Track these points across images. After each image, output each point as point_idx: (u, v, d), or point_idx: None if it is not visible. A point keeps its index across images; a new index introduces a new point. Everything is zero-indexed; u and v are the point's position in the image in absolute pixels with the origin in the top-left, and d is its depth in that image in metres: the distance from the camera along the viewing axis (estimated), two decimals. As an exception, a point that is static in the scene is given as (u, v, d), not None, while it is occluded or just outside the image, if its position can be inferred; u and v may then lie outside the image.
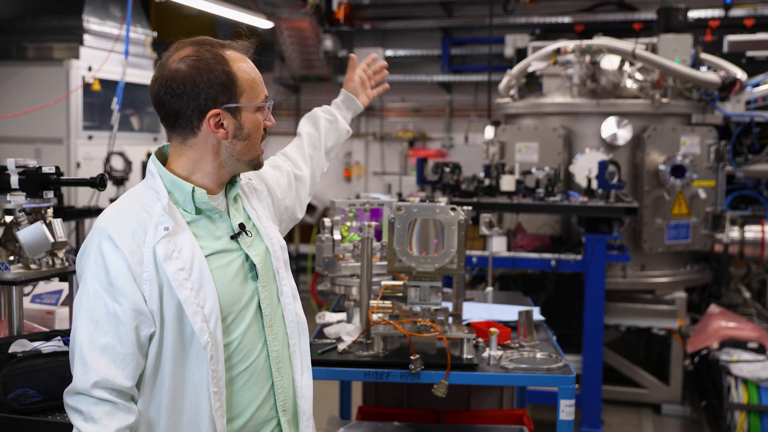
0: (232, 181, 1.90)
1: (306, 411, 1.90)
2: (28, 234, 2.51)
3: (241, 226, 1.84)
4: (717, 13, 7.76)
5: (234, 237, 1.83)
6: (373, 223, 2.90)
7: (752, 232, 5.84)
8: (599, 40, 5.71)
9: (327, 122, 2.46)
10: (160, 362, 1.71)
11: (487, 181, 5.25)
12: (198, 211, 1.81)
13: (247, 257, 1.84)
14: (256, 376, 1.81)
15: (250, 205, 1.94)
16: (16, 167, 2.50)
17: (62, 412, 2.26)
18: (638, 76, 5.73)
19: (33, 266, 2.56)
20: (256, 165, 1.88)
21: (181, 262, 1.70)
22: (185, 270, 1.70)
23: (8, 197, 2.52)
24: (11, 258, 2.58)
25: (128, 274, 1.67)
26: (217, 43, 1.80)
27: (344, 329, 2.93)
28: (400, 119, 10.12)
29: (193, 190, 1.79)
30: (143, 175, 6.16)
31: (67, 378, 2.27)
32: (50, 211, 2.62)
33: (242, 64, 1.81)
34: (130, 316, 1.66)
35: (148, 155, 6.10)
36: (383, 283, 2.90)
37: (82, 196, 6.15)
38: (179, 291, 1.69)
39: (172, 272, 1.69)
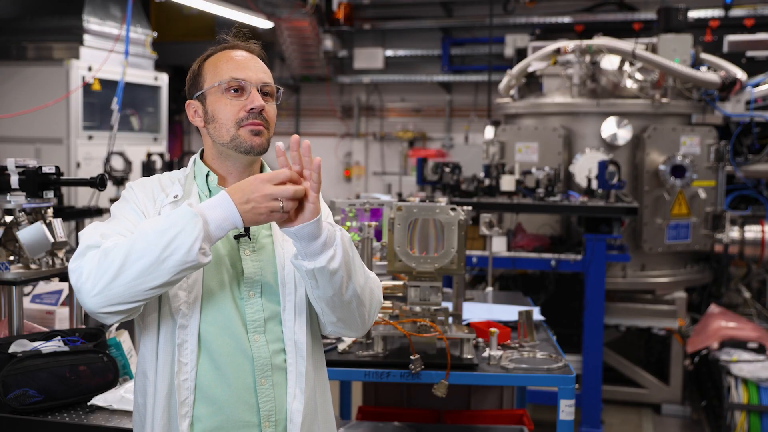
0: None
1: None
2: (28, 234, 2.51)
3: (246, 229, 1.82)
4: (717, 13, 7.76)
5: (237, 237, 1.81)
6: (373, 223, 2.90)
7: (752, 232, 5.84)
8: (599, 40, 5.71)
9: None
10: None
11: (487, 181, 5.25)
12: None
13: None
14: (233, 364, 1.76)
15: None
16: (16, 167, 2.51)
17: (62, 412, 2.27)
18: (638, 76, 5.73)
19: (33, 266, 2.57)
20: (241, 148, 1.79)
21: None
22: None
23: (8, 197, 2.52)
24: (11, 258, 2.58)
25: (137, 202, 1.81)
26: (225, 44, 1.88)
27: (344, 329, 2.93)
28: (400, 119, 10.12)
29: (207, 174, 1.85)
30: (143, 175, 6.14)
31: (67, 378, 2.28)
32: (50, 211, 2.62)
33: (222, 54, 1.85)
34: (134, 215, 1.78)
35: (148, 155, 6.16)
36: (383, 283, 2.89)
37: (82, 196, 6.15)
38: None
39: None
